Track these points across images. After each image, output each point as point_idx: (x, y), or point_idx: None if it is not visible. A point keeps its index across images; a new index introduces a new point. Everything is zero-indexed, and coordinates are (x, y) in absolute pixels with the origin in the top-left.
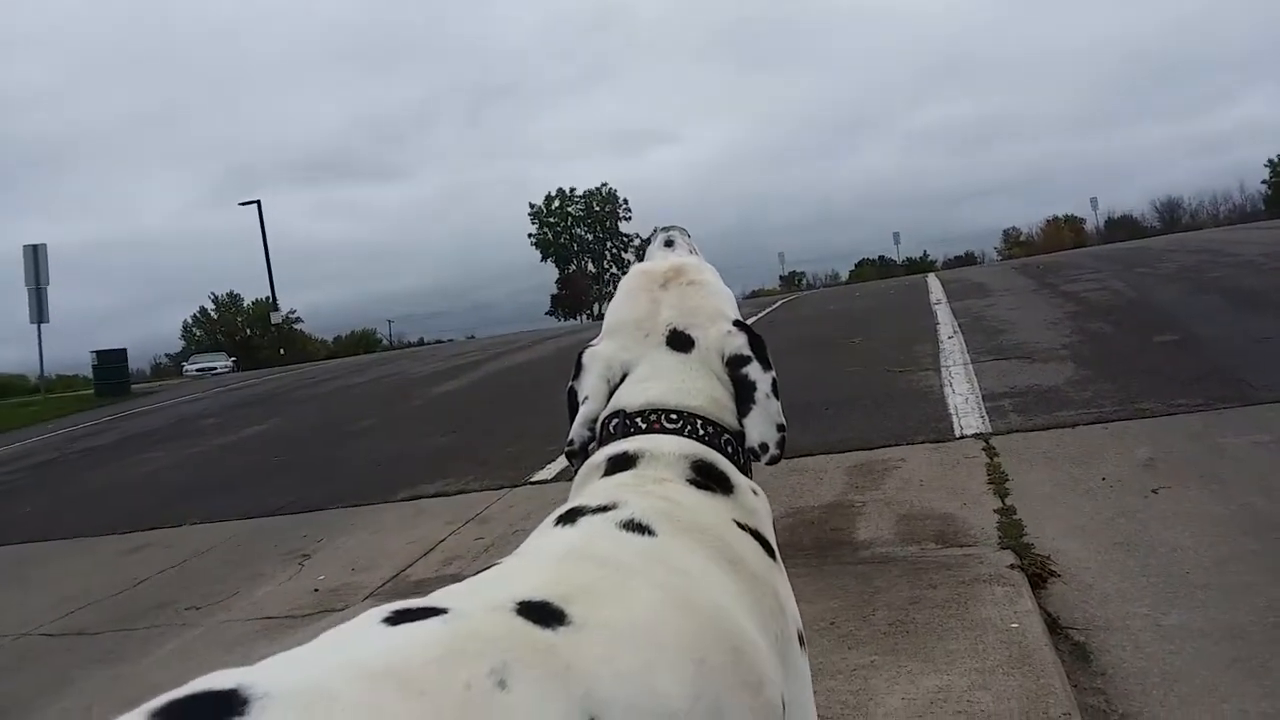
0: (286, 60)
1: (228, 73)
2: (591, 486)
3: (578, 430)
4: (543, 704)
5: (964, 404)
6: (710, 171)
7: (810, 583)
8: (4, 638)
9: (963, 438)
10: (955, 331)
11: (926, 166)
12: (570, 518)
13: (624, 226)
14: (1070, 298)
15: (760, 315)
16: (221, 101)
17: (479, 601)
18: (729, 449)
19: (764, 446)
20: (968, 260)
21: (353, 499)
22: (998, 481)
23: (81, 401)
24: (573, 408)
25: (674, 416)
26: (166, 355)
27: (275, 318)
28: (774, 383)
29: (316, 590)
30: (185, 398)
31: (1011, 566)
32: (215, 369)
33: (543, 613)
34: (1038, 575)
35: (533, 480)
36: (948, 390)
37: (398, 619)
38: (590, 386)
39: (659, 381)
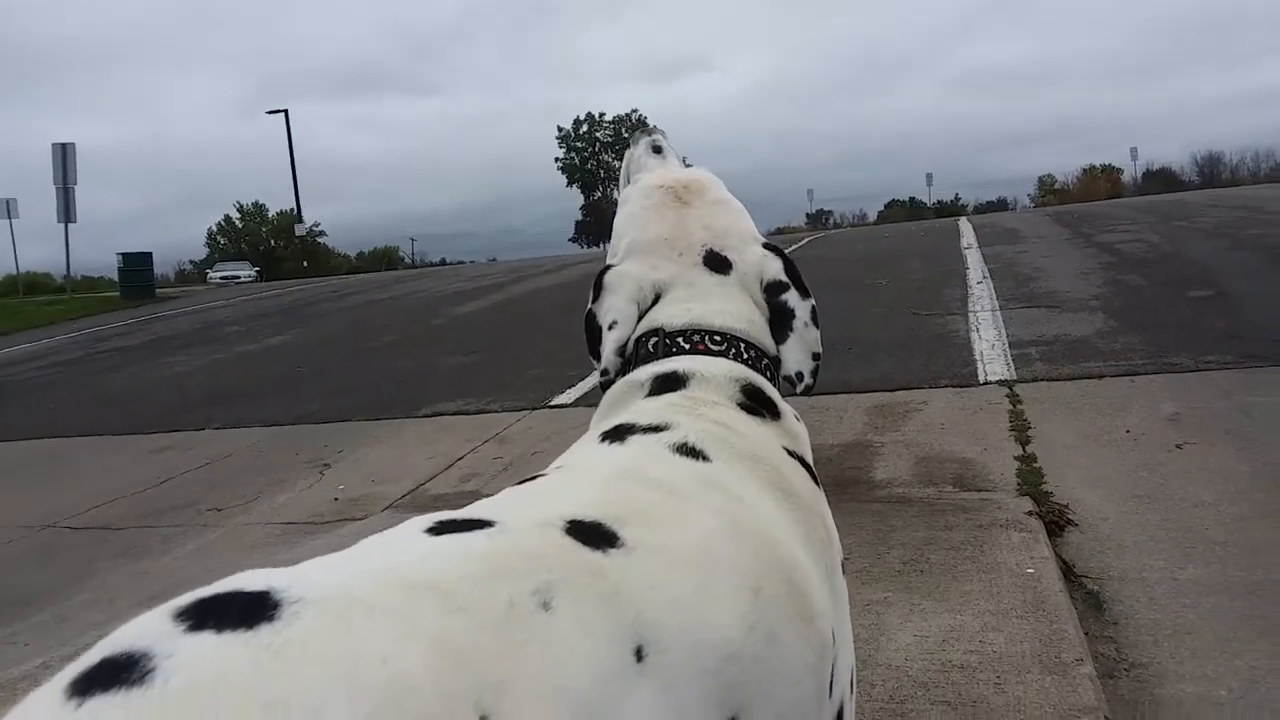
0: None
1: None
2: (635, 405)
3: (610, 358)
4: (587, 628)
5: (990, 350)
6: (743, 103)
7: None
8: (30, 529)
9: (987, 384)
10: (985, 277)
11: (964, 109)
12: (618, 435)
13: None
14: (1104, 248)
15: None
16: (258, 6)
17: (527, 517)
18: (769, 374)
19: (799, 375)
20: (1000, 206)
21: (374, 412)
22: (1020, 429)
23: (107, 303)
24: (593, 332)
25: (718, 338)
26: (191, 262)
27: (299, 230)
28: (813, 310)
29: (336, 499)
30: (210, 304)
31: (1029, 513)
32: (239, 278)
33: (593, 533)
34: (1055, 523)
35: (553, 404)
36: (974, 335)
37: (441, 529)
38: (619, 309)
39: (700, 302)
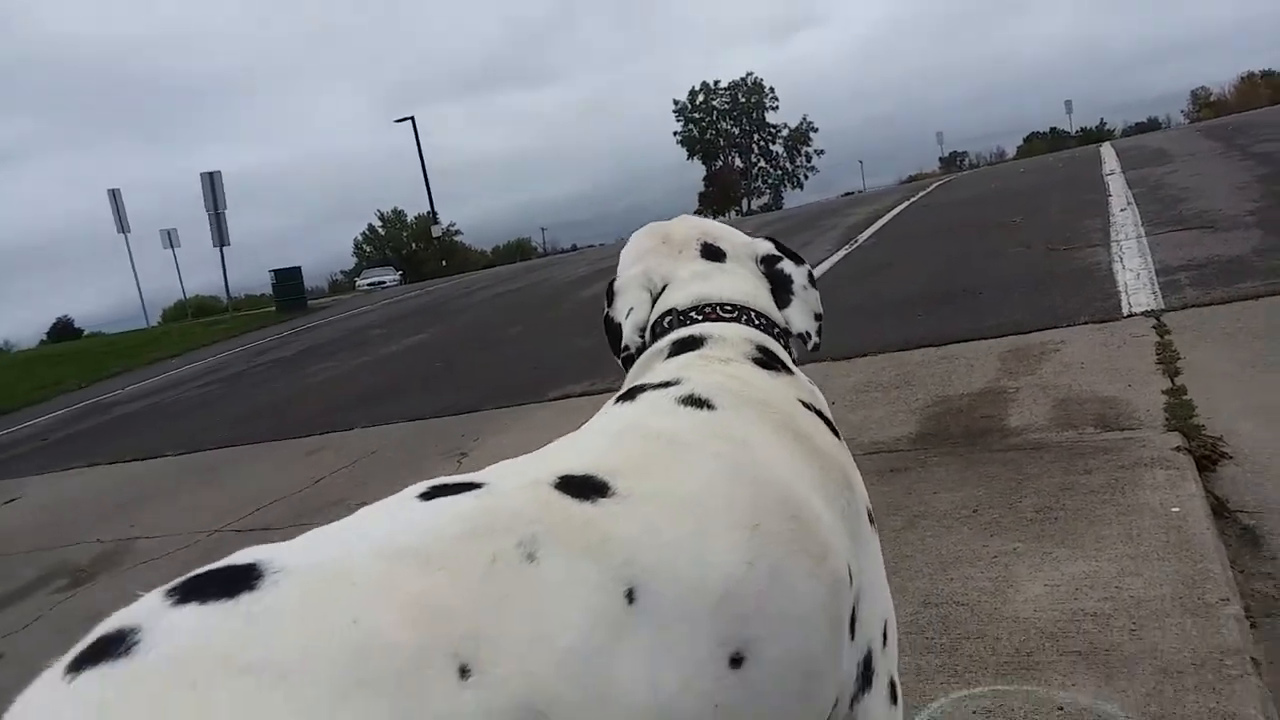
0: None
1: None
2: (655, 368)
3: (631, 336)
4: (574, 576)
5: (1134, 280)
6: (862, 54)
7: (954, 471)
8: (199, 534)
9: (1131, 316)
10: (1129, 203)
11: (1103, 27)
12: (630, 395)
13: (770, 117)
14: (1262, 159)
15: (914, 200)
16: (375, 18)
17: (519, 476)
18: (782, 342)
19: (805, 335)
20: (1150, 127)
21: (506, 400)
22: (1168, 361)
23: (264, 318)
24: (613, 332)
25: (728, 308)
26: (341, 271)
27: (436, 231)
28: (809, 274)
29: None
30: (356, 310)
31: (1177, 449)
32: (384, 282)
33: (583, 486)
34: (1206, 457)
35: None
36: (1117, 266)
37: (433, 494)
38: (633, 298)
39: (705, 282)
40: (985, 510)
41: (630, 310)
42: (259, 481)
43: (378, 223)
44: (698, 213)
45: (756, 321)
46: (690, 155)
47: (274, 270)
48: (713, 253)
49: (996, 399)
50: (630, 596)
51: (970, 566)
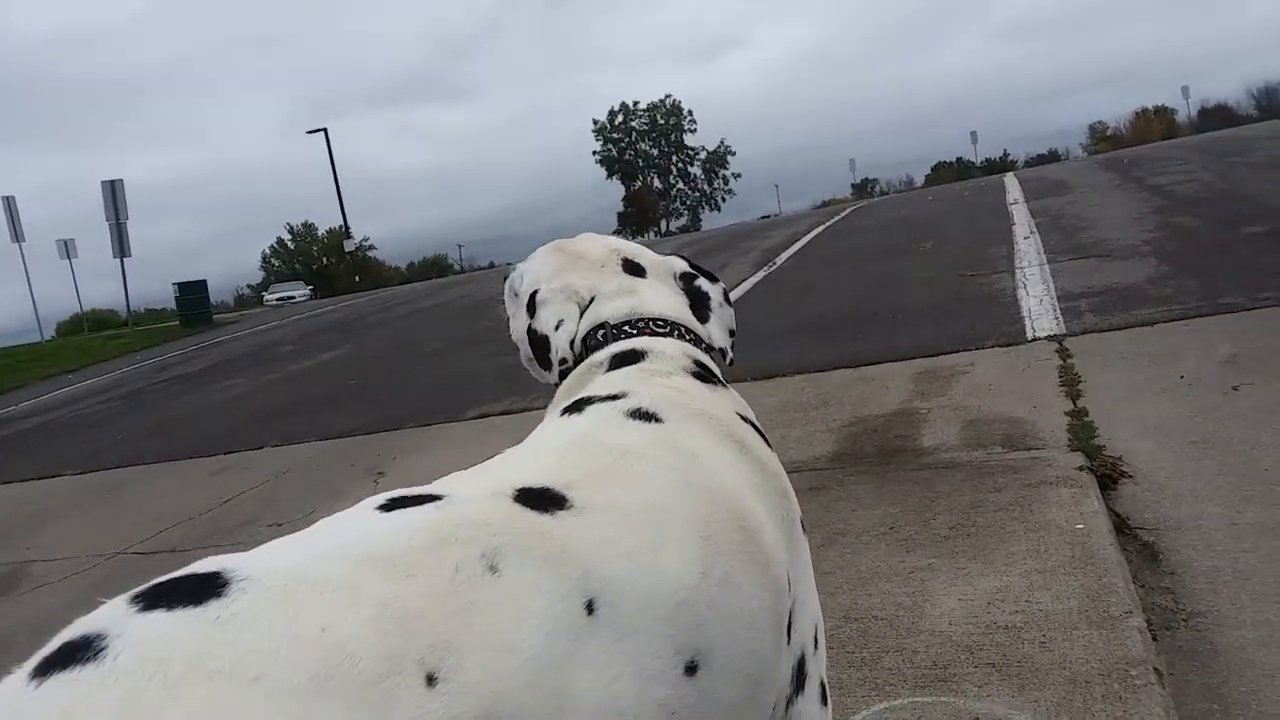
0: None
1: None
2: (596, 381)
3: (564, 350)
4: (535, 587)
5: (1038, 306)
6: (780, 80)
7: (871, 489)
8: (100, 557)
9: (1035, 340)
10: (1032, 232)
11: (1007, 62)
12: (578, 407)
13: (689, 139)
14: (1156, 191)
15: (828, 224)
16: (291, 27)
17: (476, 488)
18: (709, 355)
19: (723, 351)
20: (1051, 158)
21: (424, 418)
22: (1070, 383)
23: (167, 333)
24: (539, 344)
25: (660, 323)
26: (248, 286)
27: (348, 245)
28: (724, 292)
29: None
30: (265, 325)
31: (1080, 468)
32: (294, 297)
33: (541, 498)
34: (1108, 476)
35: None
36: (1021, 292)
37: (392, 506)
38: (562, 310)
39: (633, 297)
40: (901, 527)
41: (560, 322)
42: (163, 502)
43: (287, 236)
44: (616, 232)
45: (687, 336)
46: (609, 175)
47: (178, 283)
48: (634, 268)
49: (910, 419)
50: (590, 608)
51: (888, 581)
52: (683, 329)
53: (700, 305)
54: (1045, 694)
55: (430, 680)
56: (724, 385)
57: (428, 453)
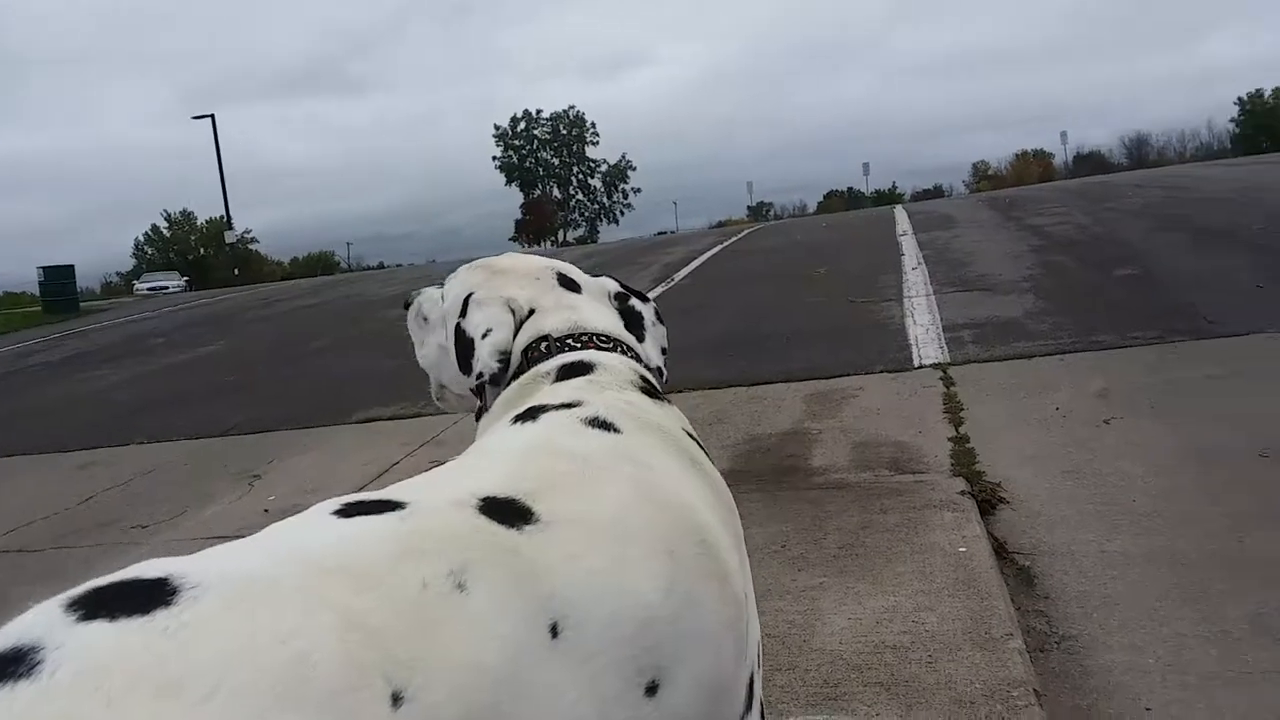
0: None
1: None
2: (544, 390)
3: (488, 362)
4: (502, 608)
5: (924, 334)
6: (682, 98)
7: (763, 507)
8: None
9: (921, 367)
10: (919, 263)
11: (900, 99)
12: (531, 415)
13: (590, 151)
14: (1034, 231)
15: (726, 244)
16: (185, 8)
17: (439, 497)
18: (648, 371)
19: (659, 370)
20: (936, 193)
21: (306, 420)
22: (953, 410)
23: (29, 319)
24: (466, 344)
25: (604, 339)
26: (118, 273)
27: (230, 237)
28: (656, 311)
29: (267, 510)
30: (137, 316)
31: (962, 493)
32: (167, 288)
33: (507, 511)
34: (987, 502)
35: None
36: (909, 321)
37: (350, 512)
38: (492, 318)
39: (574, 311)
40: (793, 545)
41: (489, 331)
42: (18, 498)
43: (164, 224)
44: (512, 240)
45: (629, 353)
46: (509, 182)
47: (43, 267)
48: (569, 284)
49: (802, 439)
50: (554, 630)
51: (780, 600)
52: (624, 345)
53: (635, 324)
54: (932, 714)
55: (396, 700)
56: (668, 401)
57: (307, 456)
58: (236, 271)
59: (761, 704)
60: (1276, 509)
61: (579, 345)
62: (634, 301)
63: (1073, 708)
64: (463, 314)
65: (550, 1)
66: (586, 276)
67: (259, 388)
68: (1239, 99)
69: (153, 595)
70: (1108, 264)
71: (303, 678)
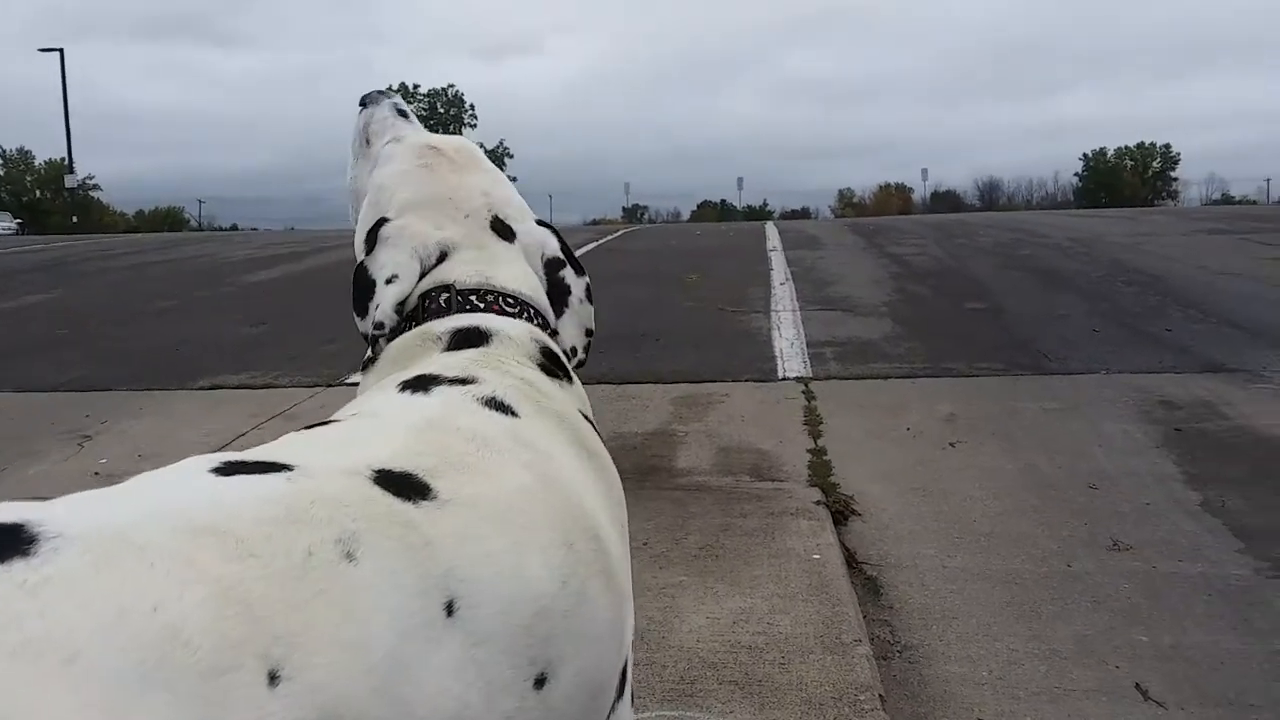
0: None
1: None
2: (434, 358)
3: (387, 311)
4: (394, 581)
5: (789, 348)
6: (566, 92)
7: (628, 505)
8: None
9: (785, 379)
10: (787, 279)
11: (777, 120)
12: (421, 385)
13: (468, 134)
14: (894, 259)
15: (601, 242)
16: None
17: (329, 463)
18: (556, 344)
19: (574, 350)
20: (803, 214)
21: (144, 382)
22: (813, 423)
23: None
24: (364, 287)
25: (511, 301)
26: None
27: (70, 181)
28: (588, 288)
29: (96, 474)
30: None
31: (817, 503)
32: None
33: (404, 484)
34: (840, 513)
35: (350, 381)
36: (775, 334)
37: (231, 470)
38: (399, 264)
39: (491, 266)
40: (655, 544)
41: (394, 277)
42: None
43: None
44: None
45: (536, 321)
46: None
47: None
48: (503, 230)
49: (667, 440)
50: (449, 609)
51: (640, 596)
52: (533, 312)
53: (559, 297)
54: (783, 713)
55: (272, 678)
56: (569, 380)
57: (143, 419)
58: (75, 219)
59: (631, 692)
60: (1102, 537)
61: (481, 305)
62: (566, 272)
63: (912, 714)
64: (368, 251)
65: None
66: (530, 224)
67: (95, 344)
68: (1084, 155)
69: (7, 543)
70: (960, 296)
71: (172, 653)
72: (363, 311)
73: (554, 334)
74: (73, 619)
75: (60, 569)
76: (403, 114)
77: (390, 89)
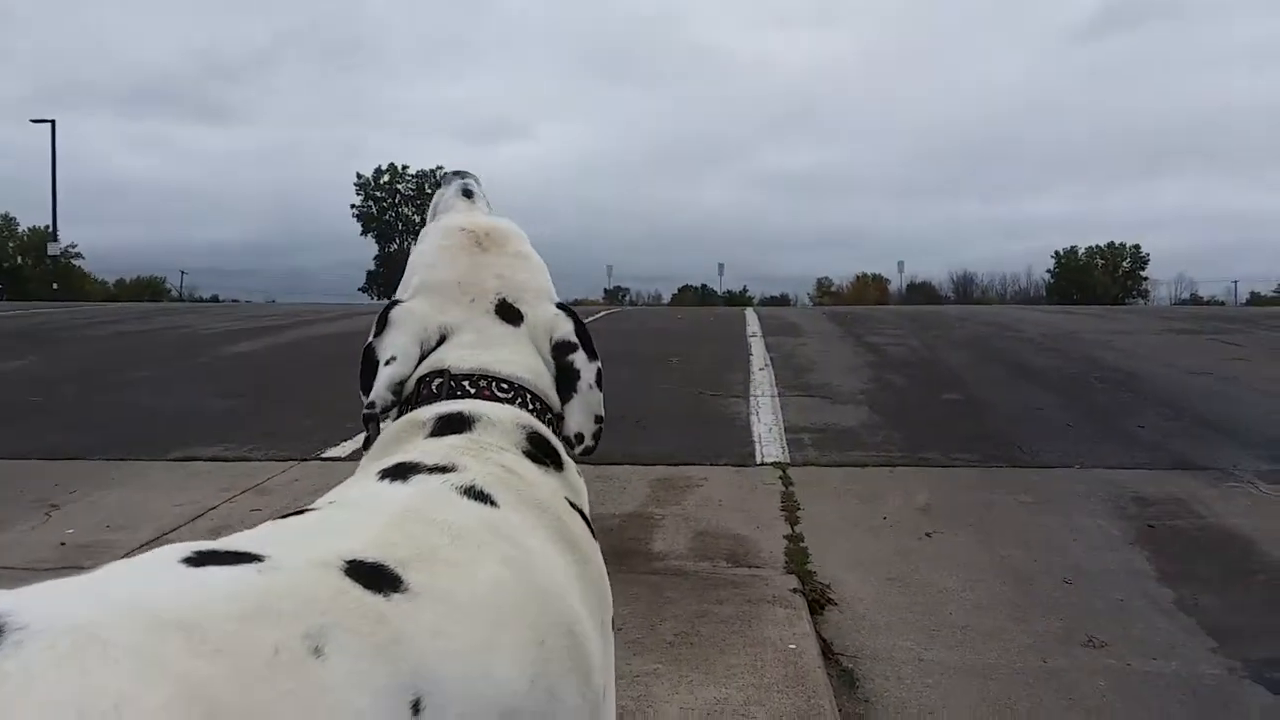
0: None
1: None
2: (416, 444)
3: (381, 393)
4: (362, 680)
5: (767, 433)
6: (554, 177)
7: None
8: None
9: (763, 464)
10: (766, 364)
11: (758, 208)
12: (400, 473)
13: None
14: (872, 349)
15: (585, 323)
16: (41, 4)
17: (301, 554)
18: (553, 428)
19: (580, 436)
20: (783, 300)
21: (116, 452)
22: (790, 509)
23: None
24: (370, 366)
25: (505, 386)
26: None
27: (53, 249)
28: (599, 373)
29: (63, 544)
30: None
31: (794, 591)
32: None
33: (375, 576)
34: (817, 601)
35: (325, 456)
36: (754, 418)
37: (201, 560)
38: (399, 346)
39: (487, 350)
40: (629, 629)
41: (392, 359)
42: None
43: None
44: (362, 290)
45: (532, 406)
46: (364, 232)
47: None
48: (509, 314)
49: (644, 523)
50: (416, 708)
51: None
52: (529, 395)
53: (568, 381)
54: None
55: None
56: (558, 467)
57: (113, 490)
58: (55, 286)
59: None
60: (1077, 633)
61: (473, 390)
62: (576, 356)
63: None
64: (377, 332)
65: (438, 66)
66: (544, 307)
67: (67, 412)
68: (1056, 252)
69: None
70: (936, 387)
71: None
72: (366, 391)
73: (558, 419)
74: (31, 717)
75: (22, 664)
76: (468, 194)
77: (468, 171)
